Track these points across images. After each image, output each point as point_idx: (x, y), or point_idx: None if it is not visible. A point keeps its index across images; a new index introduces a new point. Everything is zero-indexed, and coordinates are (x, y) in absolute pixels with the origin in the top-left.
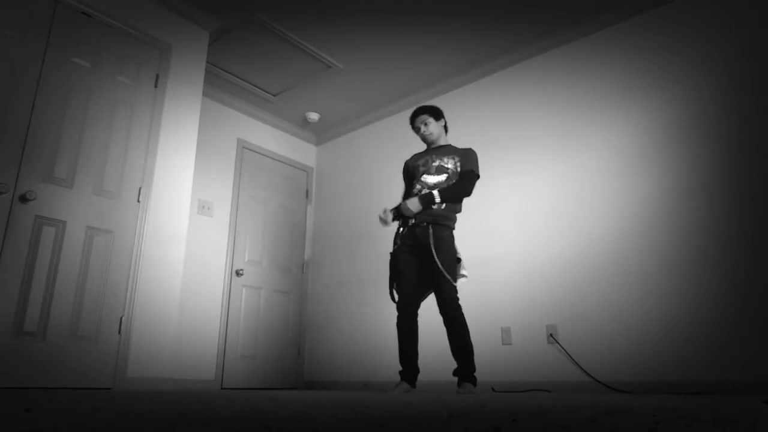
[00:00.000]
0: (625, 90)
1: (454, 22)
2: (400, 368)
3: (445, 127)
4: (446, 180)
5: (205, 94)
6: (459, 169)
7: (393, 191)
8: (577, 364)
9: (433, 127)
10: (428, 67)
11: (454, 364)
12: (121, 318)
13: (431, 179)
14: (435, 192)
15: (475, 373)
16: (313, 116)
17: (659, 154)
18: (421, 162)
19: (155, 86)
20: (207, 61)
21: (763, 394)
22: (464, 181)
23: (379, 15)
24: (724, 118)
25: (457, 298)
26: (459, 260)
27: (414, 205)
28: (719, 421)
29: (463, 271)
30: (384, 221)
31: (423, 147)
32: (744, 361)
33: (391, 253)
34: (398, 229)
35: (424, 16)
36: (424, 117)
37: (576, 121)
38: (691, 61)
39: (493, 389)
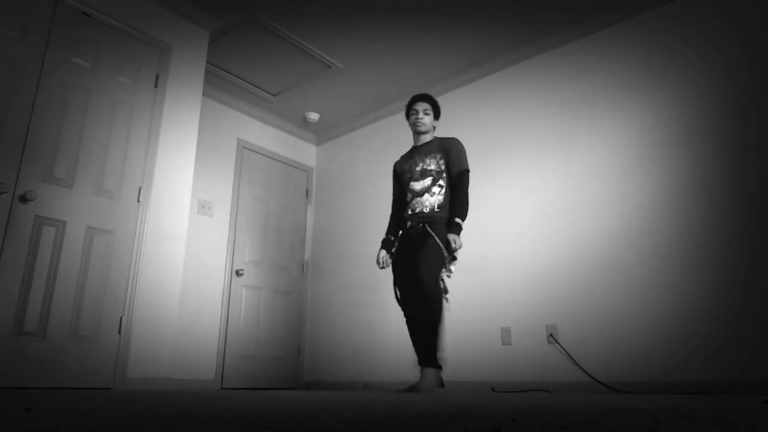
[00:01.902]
0: (625, 90)
1: (454, 22)
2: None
3: (435, 128)
4: (432, 183)
5: (205, 94)
6: (443, 168)
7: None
8: (577, 364)
9: (428, 120)
10: (428, 67)
11: (454, 363)
12: (121, 318)
13: (417, 185)
14: (458, 220)
15: (440, 358)
16: (313, 116)
17: (659, 154)
18: (406, 166)
19: (155, 86)
20: (207, 61)
21: (763, 394)
22: (464, 187)
23: (379, 15)
24: (724, 118)
25: (438, 270)
26: (445, 258)
27: (459, 241)
28: (719, 421)
29: (452, 266)
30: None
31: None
32: (744, 361)
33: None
34: (400, 232)
35: (424, 16)
36: (426, 105)
37: (576, 121)
38: (691, 61)
39: (493, 389)
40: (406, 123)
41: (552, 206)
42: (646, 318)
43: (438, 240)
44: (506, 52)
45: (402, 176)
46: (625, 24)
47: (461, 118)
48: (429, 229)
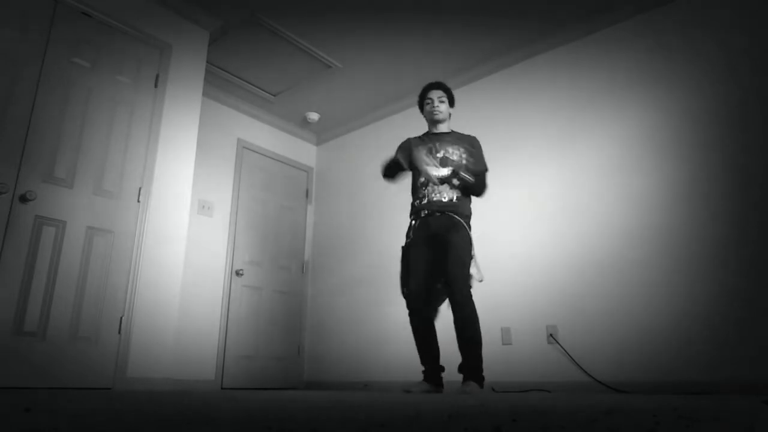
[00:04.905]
0: (628, 89)
1: (454, 22)
2: (422, 368)
3: (450, 115)
4: (452, 174)
5: (205, 94)
6: (464, 161)
7: (393, 191)
8: (577, 364)
9: (444, 108)
10: (428, 66)
11: (455, 363)
12: (121, 318)
13: (436, 173)
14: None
15: (483, 373)
16: (313, 116)
17: (661, 155)
18: (425, 150)
19: (155, 86)
20: (207, 61)
21: (763, 394)
22: (482, 180)
23: (379, 14)
24: (727, 117)
25: (469, 286)
26: (472, 257)
27: (470, 176)
28: (719, 421)
29: (472, 270)
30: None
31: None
32: (744, 361)
33: (402, 247)
34: (411, 222)
35: (424, 16)
36: (441, 93)
37: (577, 122)
38: (694, 60)
39: (493, 389)
40: (406, 122)
41: (553, 206)
42: (647, 318)
43: (469, 232)
44: (508, 51)
45: (416, 158)
46: (629, 23)
47: (462, 118)
48: (458, 218)
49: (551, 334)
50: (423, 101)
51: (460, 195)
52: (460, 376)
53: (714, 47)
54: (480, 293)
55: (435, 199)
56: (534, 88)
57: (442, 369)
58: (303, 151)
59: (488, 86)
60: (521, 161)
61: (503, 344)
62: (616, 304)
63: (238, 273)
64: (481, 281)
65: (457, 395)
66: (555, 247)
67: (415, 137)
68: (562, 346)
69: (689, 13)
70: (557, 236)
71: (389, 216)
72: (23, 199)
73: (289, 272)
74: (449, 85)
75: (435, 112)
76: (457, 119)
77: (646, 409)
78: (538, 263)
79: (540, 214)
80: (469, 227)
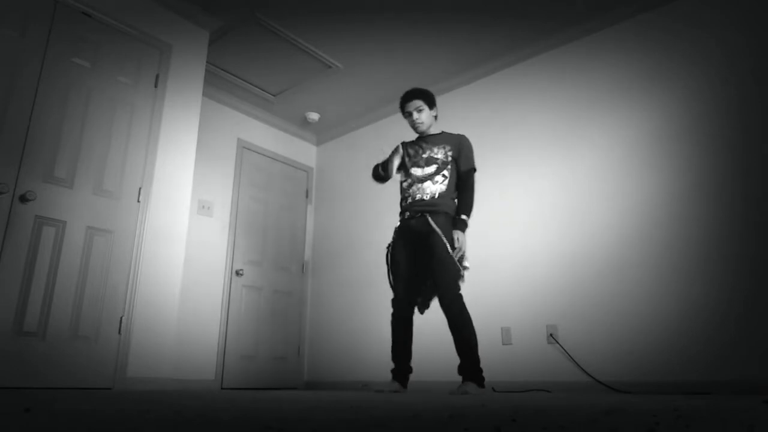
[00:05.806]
0: (627, 90)
1: (454, 22)
2: (392, 366)
3: (435, 117)
4: (436, 171)
5: (205, 94)
6: (449, 158)
7: (393, 191)
8: (577, 364)
9: (425, 116)
10: (428, 66)
11: (454, 364)
12: (121, 318)
13: (419, 171)
14: (464, 217)
15: (483, 373)
16: (313, 116)
17: (660, 155)
18: (411, 152)
19: (155, 86)
20: (207, 61)
21: (763, 394)
22: (471, 186)
23: (379, 15)
24: (726, 117)
25: (458, 287)
26: (460, 251)
27: (463, 238)
28: (719, 421)
29: (465, 263)
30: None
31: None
32: (744, 361)
33: (387, 247)
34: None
35: (424, 16)
36: (418, 103)
37: (577, 122)
38: (695, 60)
39: (493, 389)
40: (406, 122)
41: (552, 206)
42: (647, 318)
43: (443, 237)
44: (508, 51)
45: (404, 159)
46: (629, 23)
47: (462, 118)
48: (432, 223)
49: (551, 334)
50: (403, 112)
51: (443, 191)
52: (460, 377)
53: (714, 47)
54: (480, 293)
55: (417, 197)
56: (534, 88)
57: (410, 371)
58: (303, 151)
59: (488, 86)
60: (521, 161)
61: (503, 344)
62: (617, 304)
63: (238, 273)
64: (468, 269)
65: (457, 395)
66: (555, 247)
67: (409, 141)
68: (562, 346)
69: (689, 13)
70: (557, 236)
71: (389, 216)
72: (23, 199)
73: (289, 272)
74: (449, 84)
75: (417, 125)
76: (457, 119)
77: (646, 409)
78: (538, 263)
79: (540, 214)
80: (452, 221)
